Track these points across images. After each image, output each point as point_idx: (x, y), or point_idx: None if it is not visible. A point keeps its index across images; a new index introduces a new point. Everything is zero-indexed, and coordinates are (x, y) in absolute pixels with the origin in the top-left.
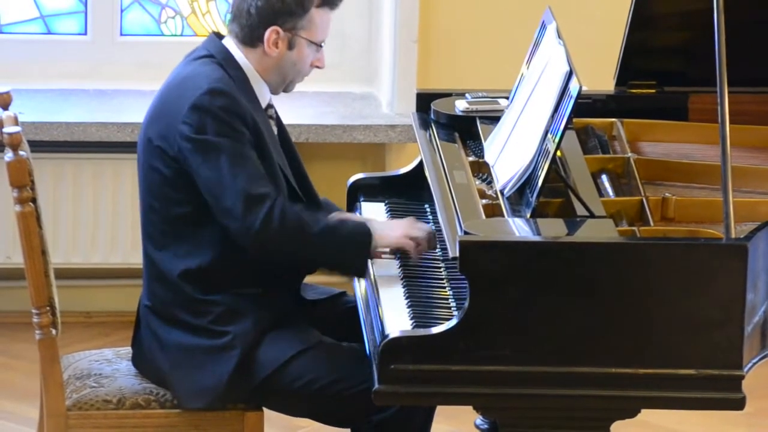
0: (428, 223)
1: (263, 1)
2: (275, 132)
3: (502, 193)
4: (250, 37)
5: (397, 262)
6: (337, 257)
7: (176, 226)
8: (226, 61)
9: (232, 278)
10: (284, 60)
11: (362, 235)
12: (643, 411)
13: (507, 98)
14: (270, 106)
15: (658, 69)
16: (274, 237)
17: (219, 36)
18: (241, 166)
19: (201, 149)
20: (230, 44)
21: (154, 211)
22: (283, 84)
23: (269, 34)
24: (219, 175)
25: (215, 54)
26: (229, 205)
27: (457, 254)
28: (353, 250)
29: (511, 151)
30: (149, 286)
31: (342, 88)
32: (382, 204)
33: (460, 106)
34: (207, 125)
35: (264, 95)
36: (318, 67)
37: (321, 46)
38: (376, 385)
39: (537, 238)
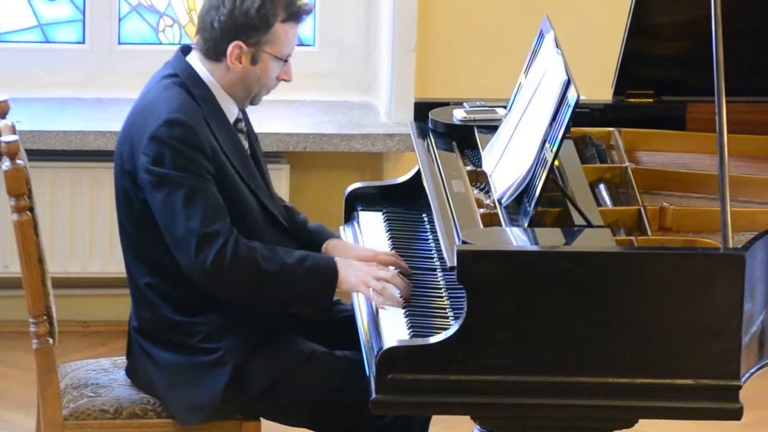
0: (425, 234)
1: (226, 16)
2: (246, 146)
3: (499, 203)
4: (214, 51)
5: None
6: (300, 294)
7: (151, 250)
8: (190, 79)
9: (213, 298)
10: (248, 75)
11: (328, 272)
12: (641, 421)
13: (505, 107)
14: (239, 120)
15: (656, 78)
16: (226, 274)
17: (186, 50)
18: (196, 202)
19: (157, 182)
20: (195, 60)
21: (129, 236)
22: (248, 98)
23: (232, 48)
24: (173, 211)
25: (179, 73)
26: (182, 241)
27: (455, 264)
28: (317, 287)
29: (509, 160)
30: (136, 308)
31: (340, 97)
32: (380, 213)
33: (458, 115)
34: (165, 157)
35: (232, 110)
36: (285, 80)
37: (286, 61)
38: (374, 395)
39: (534, 248)
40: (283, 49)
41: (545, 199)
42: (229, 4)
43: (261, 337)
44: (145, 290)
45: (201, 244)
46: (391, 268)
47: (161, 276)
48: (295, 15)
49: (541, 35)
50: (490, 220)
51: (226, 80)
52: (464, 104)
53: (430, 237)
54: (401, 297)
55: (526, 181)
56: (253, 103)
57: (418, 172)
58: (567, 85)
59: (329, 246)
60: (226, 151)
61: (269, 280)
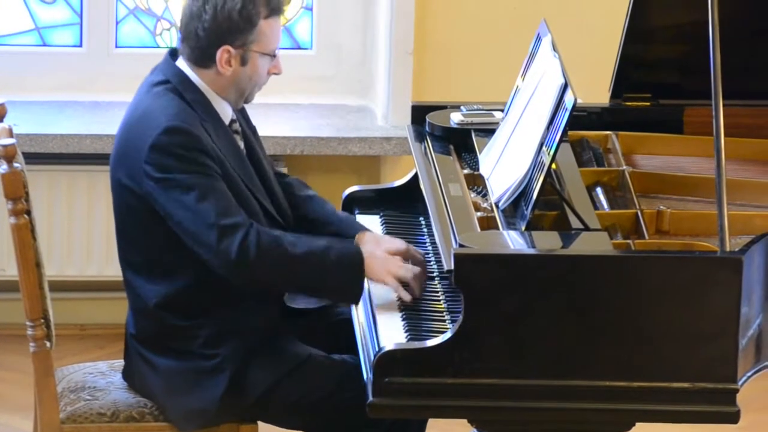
0: (422, 237)
1: (210, 22)
2: (241, 146)
3: (496, 206)
4: (202, 58)
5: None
6: (329, 281)
7: (153, 255)
8: (182, 84)
9: (213, 301)
10: (239, 76)
11: (354, 259)
12: (638, 424)
13: (502, 111)
14: (233, 120)
15: (653, 81)
16: (254, 264)
17: (175, 53)
18: (210, 200)
19: (167, 188)
20: (184, 65)
21: (129, 241)
22: (242, 97)
23: (220, 53)
24: (188, 212)
25: (171, 78)
26: (203, 239)
27: (452, 267)
28: (345, 274)
29: (506, 163)
30: (134, 316)
31: (337, 101)
32: (377, 216)
33: (455, 118)
34: (170, 164)
35: (226, 112)
36: (275, 74)
37: (275, 56)
38: (371, 398)
39: (532, 251)
40: (270, 45)
41: (542, 203)
42: (211, 10)
43: (259, 342)
44: (153, 308)
45: (221, 237)
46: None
47: (167, 283)
48: (277, 9)
49: (539, 38)
50: (487, 223)
51: (217, 84)
52: (461, 107)
53: (428, 240)
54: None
55: (523, 185)
56: (246, 101)
57: (416, 176)
58: (564, 88)
59: (362, 238)
60: (224, 153)
61: (297, 266)
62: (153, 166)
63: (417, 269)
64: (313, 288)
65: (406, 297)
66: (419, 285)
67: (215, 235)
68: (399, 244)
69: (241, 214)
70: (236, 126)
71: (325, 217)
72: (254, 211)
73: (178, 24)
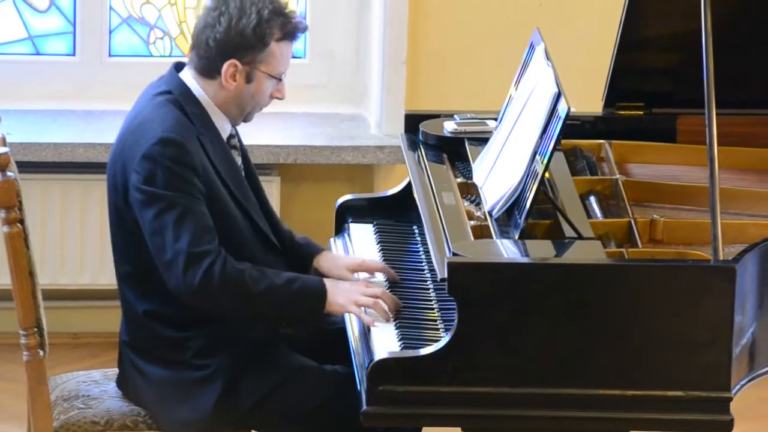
0: (416, 246)
1: (222, 34)
2: (239, 162)
3: (490, 215)
4: (208, 69)
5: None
6: (286, 315)
7: (143, 267)
8: (183, 97)
9: (204, 313)
10: (242, 93)
11: (316, 294)
12: None
13: (495, 119)
14: (232, 136)
15: (647, 90)
16: (214, 294)
17: (179, 67)
18: (186, 223)
19: (148, 201)
20: (188, 76)
21: (120, 251)
22: (242, 115)
23: (227, 67)
24: (163, 231)
25: (173, 90)
26: (171, 261)
27: (446, 275)
28: (304, 309)
29: (500, 172)
30: (126, 323)
31: (330, 109)
32: (371, 225)
33: (449, 127)
34: (156, 176)
35: (225, 127)
36: (278, 98)
37: (281, 79)
38: (364, 407)
39: (525, 260)
40: (278, 67)
41: (536, 212)
42: (225, 22)
43: (252, 351)
44: (143, 317)
45: (188, 264)
46: (380, 276)
47: (157, 296)
48: (291, 34)
49: (532, 47)
50: (481, 232)
51: (219, 97)
52: (455, 116)
53: (421, 249)
54: (390, 312)
55: (517, 193)
56: (245, 120)
57: (409, 184)
58: (557, 97)
59: (320, 260)
60: (219, 170)
61: (256, 301)
62: (140, 175)
63: (378, 291)
64: (272, 318)
65: (370, 322)
66: (392, 301)
67: (183, 261)
68: (354, 260)
69: (213, 241)
70: (234, 141)
71: (284, 237)
72: (240, 232)
73: (192, 31)
